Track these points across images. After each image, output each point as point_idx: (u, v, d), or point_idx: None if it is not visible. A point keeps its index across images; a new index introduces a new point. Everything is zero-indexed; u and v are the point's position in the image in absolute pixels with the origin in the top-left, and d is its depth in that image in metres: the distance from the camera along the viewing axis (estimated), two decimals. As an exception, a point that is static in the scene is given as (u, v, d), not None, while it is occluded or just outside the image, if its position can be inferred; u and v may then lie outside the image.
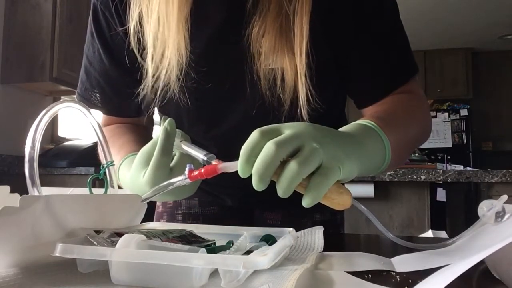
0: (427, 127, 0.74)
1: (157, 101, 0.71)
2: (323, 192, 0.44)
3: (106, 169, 0.60)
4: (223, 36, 0.70)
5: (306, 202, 0.44)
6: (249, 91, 0.70)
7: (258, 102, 0.70)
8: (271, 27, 0.64)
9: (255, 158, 0.44)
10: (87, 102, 0.81)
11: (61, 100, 3.33)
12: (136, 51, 0.70)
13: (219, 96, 0.73)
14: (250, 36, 0.66)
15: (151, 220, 0.90)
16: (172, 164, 0.59)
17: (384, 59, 0.71)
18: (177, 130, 0.60)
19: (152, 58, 0.67)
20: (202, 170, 0.51)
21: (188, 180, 0.52)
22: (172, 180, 0.53)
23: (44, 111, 0.53)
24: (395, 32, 0.73)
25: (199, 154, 0.57)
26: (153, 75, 0.68)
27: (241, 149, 0.45)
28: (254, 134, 0.45)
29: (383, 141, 0.55)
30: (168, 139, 0.58)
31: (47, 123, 0.53)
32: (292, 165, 0.42)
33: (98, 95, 0.80)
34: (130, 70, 0.73)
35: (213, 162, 0.51)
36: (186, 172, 0.52)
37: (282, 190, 0.43)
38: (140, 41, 0.69)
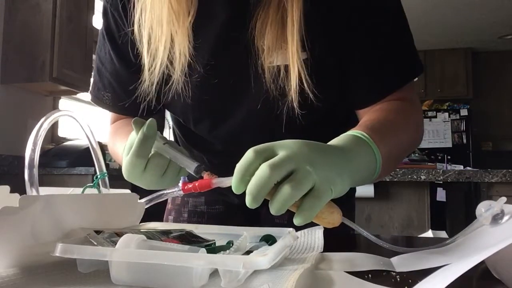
0: (419, 137, 0.74)
1: (163, 97, 0.71)
2: (315, 213, 0.45)
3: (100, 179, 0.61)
4: (228, 31, 0.70)
5: (297, 221, 0.45)
6: (253, 85, 0.70)
7: (263, 96, 0.70)
8: (273, 19, 0.64)
9: (249, 177, 0.45)
10: (100, 102, 0.83)
11: (61, 99, 3.33)
12: (141, 47, 0.71)
13: (225, 91, 0.74)
14: (254, 30, 0.66)
15: (161, 218, 0.90)
16: (147, 162, 0.60)
17: (383, 61, 0.70)
18: (159, 133, 0.60)
19: (152, 52, 0.68)
20: (196, 184, 0.51)
21: (182, 192, 0.53)
22: (165, 191, 0.54)
23: (43, 119, 0.54)
24: (396, 32, 0.72)
25: (185, 163, 0.57)
26: (156, 70, 0.69)
27: (235, 167, 0.46)
28: (249, 154, 0.46)
29: (375, 154, 0.56)
30: (145, 142, 0.58)
31: (46, 130, 0.54)
32: (285, 189, 0.43)
33: (109, 95, 0.81)
34: (140, 70, 0.74)
35: (204, 175, 0.52)
36: (180, 184, 0.52)
37: (275, 210, 0.44)
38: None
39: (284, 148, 0.46)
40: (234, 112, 0.76)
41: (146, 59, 0.69)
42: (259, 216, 0.93)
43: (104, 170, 0.63)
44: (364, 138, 0.56)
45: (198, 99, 0.73)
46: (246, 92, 0.72)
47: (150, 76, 0.70)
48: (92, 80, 0.84)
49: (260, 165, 0.44)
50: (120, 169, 0.63)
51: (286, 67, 0.66)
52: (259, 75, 0.68)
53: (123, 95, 0.79)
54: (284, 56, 0.65)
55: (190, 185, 0.52)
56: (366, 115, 0.69)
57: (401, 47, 0.72)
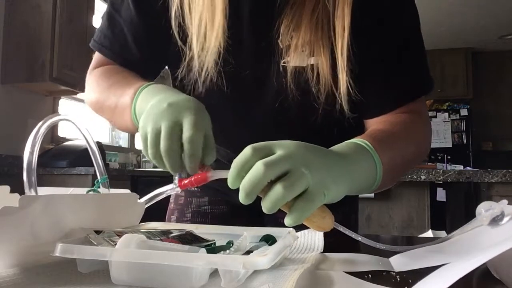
0: (424, 150, 0.73)
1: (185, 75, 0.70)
2: (305, 216, 0.45)
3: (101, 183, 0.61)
4: (254, 26, 0.69)
5: (288, 222, 0.45)
6: (274, 83, 0.70)
7: (281, 96, 0.70)
8: (307, 20, 0.64)
9: (245, 174, 0.45)
10: (104, 48, 0.79)
11: (61, 99, 3.32)
12: (176, 35, 0.70)
13: (241, 85, 0.73)
14: (280, 27, 0.66)
15: (161, 218, 0.90)
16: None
17: (395, 74, 0.70)
18: None
19: (193, 42, 0.68)
20: (193, 179, 0.51)
21: (179, 189, 0.52)
22: (162, 189, 0.54)
23: (40, 123, 0.54)
24: (412, 48, 0.72)
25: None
26: (192, 58, 0.69)
27: (232, 162, 0.46)
28: (246, 150, 0.46)
29: (376, 163, 0.55)
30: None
31: (43, 134, 0.54)
32: (278, 189, 0.43)
33: (119, 42, 0.77)
34: (155, 22, 0.72)
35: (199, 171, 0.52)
36: (176, 181, 0.52)
37: (266, 209, 0.45)
38: (181, 25, 0.69)
39: (282, 147, 0.46)
40: (245, 108, 0.75)
41: (194, 41, 0.67)
42: (262, 216, 0.93)
43: (104, 172, 0.63)
44: (365, 146, 0.56)
45: (211, 88, 0.71)
46: (263, 90, 0.72)
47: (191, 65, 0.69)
48: (98, 30, 0.80)
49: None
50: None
51: (317, 68, 0.65)
52: (281, 74, 0.68)
53: (133, 44, 0.76)
54: (317, 54, 0.65)
55: (186, 181, 0.51)
56: (373, 125, 0.70)
57: (415, 63, 0.73)
